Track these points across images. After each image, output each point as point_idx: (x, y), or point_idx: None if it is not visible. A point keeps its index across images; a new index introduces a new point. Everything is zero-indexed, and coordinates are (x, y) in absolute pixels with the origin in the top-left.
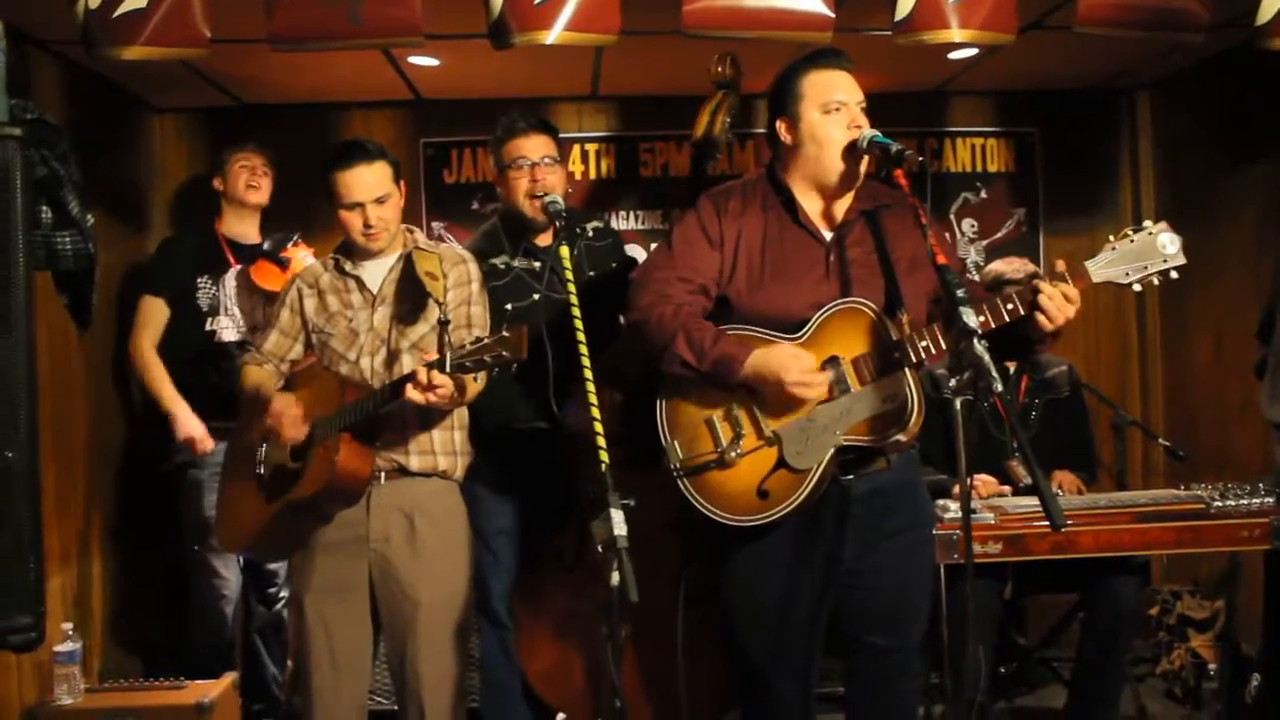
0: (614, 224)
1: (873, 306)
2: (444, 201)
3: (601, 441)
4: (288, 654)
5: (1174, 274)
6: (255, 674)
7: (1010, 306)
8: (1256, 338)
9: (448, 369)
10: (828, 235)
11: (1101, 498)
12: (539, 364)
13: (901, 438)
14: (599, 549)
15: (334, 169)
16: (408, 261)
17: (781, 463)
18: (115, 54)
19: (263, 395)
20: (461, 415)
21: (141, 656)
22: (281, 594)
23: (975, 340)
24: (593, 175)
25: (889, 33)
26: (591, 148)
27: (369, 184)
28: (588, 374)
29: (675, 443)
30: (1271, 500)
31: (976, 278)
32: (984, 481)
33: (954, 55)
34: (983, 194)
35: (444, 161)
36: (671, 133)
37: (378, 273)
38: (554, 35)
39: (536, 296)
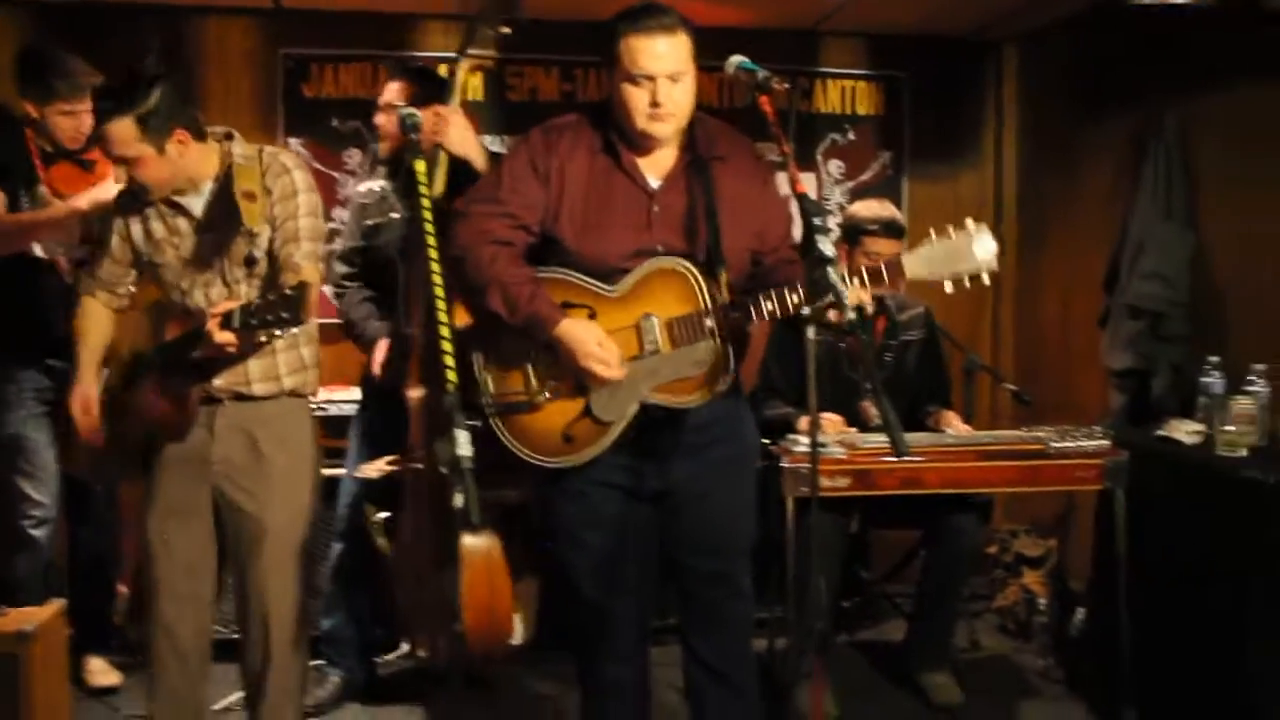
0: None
1: (693, 270)
2: (303, 117)
3: (450, 361)
4: (120, 580)
5: (985, 278)
6: (84, 601)
7: (770, 306)
8: (1103, 288)
9: (235, 325)
10: (654, 184)
11: (948, 437)
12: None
13: (701, 403)
14: (442, 470)
15: None
16: (226, 178)
17: (588, 411)
18: None
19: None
20: (309, 329)
21: None
22: (108, 518)
23: (830, 268)
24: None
25: None
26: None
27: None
28: (439, 291)
29: (488, 378)
30: (1106, 443)
31: (839, 217)
32: (830, 420)
33: None
34: (850, 136)
35: (304, 75)
36: (540, 57)
37: (203, 193)
38: None
39: (395, 215)
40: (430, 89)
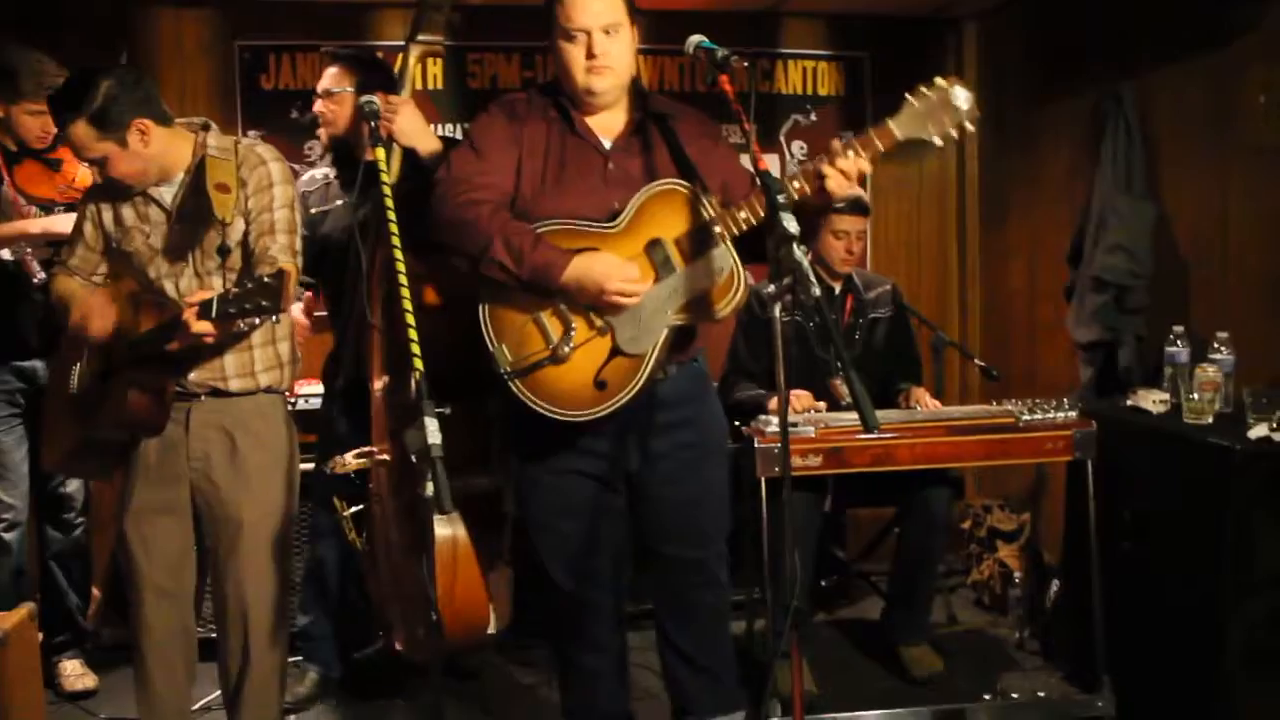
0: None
1: (688, 185)
2: (261, 109)
3: (416, 349)
4: (93, 582)
5: (969, 126)
6: (56, 604)
7: (744, 215)
8: (1068, 263)
9: (213, 314)
10: (607, 144)
11: (918, 413)
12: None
13: (729, 309)
14: (412, 459)
15: None
16: (199, 170)
17: (616, 351)
18: None
19: (73, 301)
20: (285, 324)
21: None
22: (79, 519)
23: (795, 245)
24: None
25: None
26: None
27: None
28: (402, 279)
29: (503, 346)
30: (1075, 414)
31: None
32: (798, 396)
33: None
34: (813, 117)
35: (261, 66)
36: (500, 44)
37: (174, 184)
38: None
39: (340, 202)
40: (372, 74)
